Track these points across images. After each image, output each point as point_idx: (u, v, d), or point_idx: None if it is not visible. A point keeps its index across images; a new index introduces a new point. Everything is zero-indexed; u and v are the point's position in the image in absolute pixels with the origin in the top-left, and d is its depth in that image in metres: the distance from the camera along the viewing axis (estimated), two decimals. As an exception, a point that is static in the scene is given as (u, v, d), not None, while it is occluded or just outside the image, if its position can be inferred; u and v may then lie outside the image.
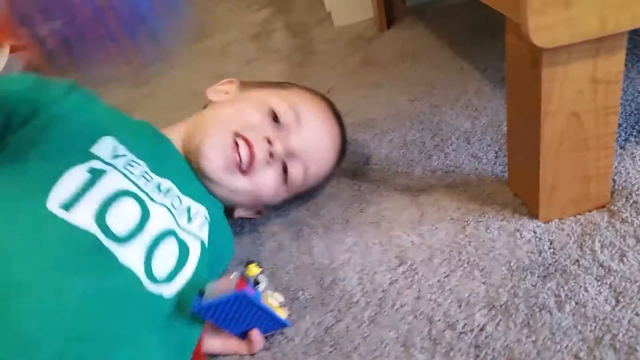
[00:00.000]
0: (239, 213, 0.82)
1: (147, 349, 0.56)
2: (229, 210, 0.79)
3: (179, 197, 0.68)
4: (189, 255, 0.64)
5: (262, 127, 0.75)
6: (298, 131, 0.76)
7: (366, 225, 0.79)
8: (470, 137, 0.92)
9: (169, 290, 0.60)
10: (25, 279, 0.51)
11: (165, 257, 0.60)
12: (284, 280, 0.73)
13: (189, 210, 0.68)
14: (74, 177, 0.57)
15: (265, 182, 0.75)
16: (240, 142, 0.72)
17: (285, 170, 0.76)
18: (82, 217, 0.55)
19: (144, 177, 0.64)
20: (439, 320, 0.62)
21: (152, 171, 0.66)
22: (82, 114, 0.65)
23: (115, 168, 0.61)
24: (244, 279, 0.62)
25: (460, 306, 0.63)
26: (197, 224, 0.68)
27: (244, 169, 0.73)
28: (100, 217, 0.56)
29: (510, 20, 0.62)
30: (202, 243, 0.67)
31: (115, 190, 0.59)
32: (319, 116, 0.81)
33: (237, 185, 0.74)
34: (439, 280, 0.67)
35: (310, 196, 0.87)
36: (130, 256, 0.57)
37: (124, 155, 0.64)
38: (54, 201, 0.55)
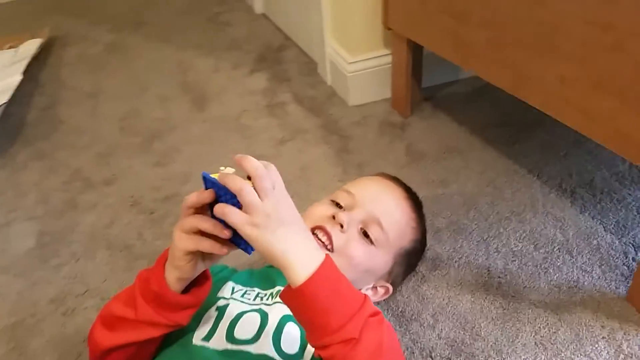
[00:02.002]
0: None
1: None
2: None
3: None
4: None
5: (328, 212, 0.88)
6: (356, 201, 0.89)
7: (532, 347, 0.90)
8: (570, 250, 1.06)
9: None
10: None
11: (290, 337, 0.73)
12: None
13: None
14: (207, 317, 0.77)
15: (351, 248, 0.85)
16: (317, 231, 0.85)
17: (366, 234, 0.87)
18: (217, 341, 0.73)
19: (257, 297, 0.81)
20: None
21: (264, 289, 0.82)
22: (214, 278, 0.80)
23: (235, 300, 0.79)
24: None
25: None
26: None
27: (329, 248, 0.84)
28: (229, 335, 0.74)
29: None
30: None
31: (236, 313, 0.76)
32: (369, 183, 0.96)
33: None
34: (632, 405, 0.80)
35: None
36: (262, 346, 0.72)
37: (240, 290, 0.82)
38: (197, 338, 0.74)
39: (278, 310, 0.76)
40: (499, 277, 1.03)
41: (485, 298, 0.99)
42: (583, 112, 0.94)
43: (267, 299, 0.80)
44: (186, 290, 0.71)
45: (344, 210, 0.89)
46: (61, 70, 2.05)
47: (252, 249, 0.65)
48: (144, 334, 0.71)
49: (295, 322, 0.75)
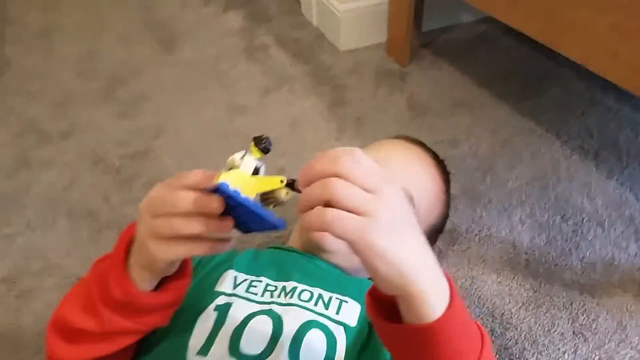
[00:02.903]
0: None
1: None
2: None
3: (307, 290, 0.65)
4: (336, 341, 0.61)
5: None
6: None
7: (570, 337, 0.79)
8: (601, 222, 0.95)
9: None
10: None
11: (312, 350, 0.59)
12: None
13: (320, 297, 0.65)
14: (204, 320, 0.60)
15: None
16: None
17: None
18: (217, 357, 0.57)
19: (266, 290, 0.65)
20: None
21: (274, 279, 0.67)
22: (210, 263, 0.69)
23: (238, 296, 0.64)
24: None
25: None
26: (333, 310, 0.64)
27: None
28: (233, 348, 0.58)
29: None
30: (346, 326, 0.63)
31: (243, 317, 0.61)
32: (392, 149, 0.81)
33: None
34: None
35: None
36: None
37: (244, 280, 0.66)
38: (193, 351, 0.58)
39: (295, 315, 0.61)
40: (526, 253, 0.91)
41: (513, 278, 0.87)
42: (637, 69, 0.80)
43: (279, 296, 0.64)
44: (161, 282, 0.53)
45: None
46: (5, 4, 1.78)
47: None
48: (115, 345, 0.54)
49: (320, 329, 0.60)
